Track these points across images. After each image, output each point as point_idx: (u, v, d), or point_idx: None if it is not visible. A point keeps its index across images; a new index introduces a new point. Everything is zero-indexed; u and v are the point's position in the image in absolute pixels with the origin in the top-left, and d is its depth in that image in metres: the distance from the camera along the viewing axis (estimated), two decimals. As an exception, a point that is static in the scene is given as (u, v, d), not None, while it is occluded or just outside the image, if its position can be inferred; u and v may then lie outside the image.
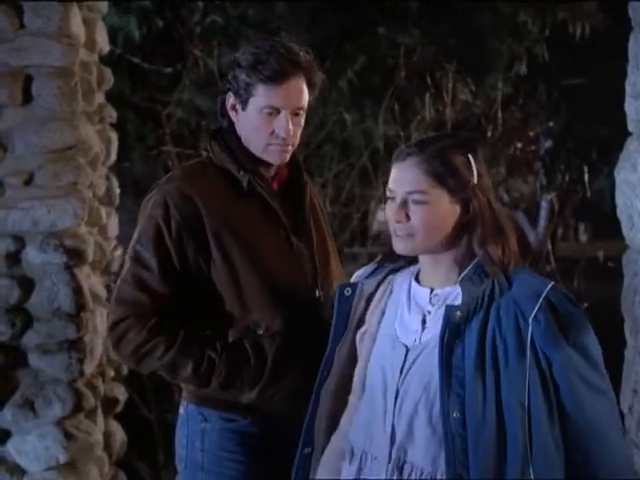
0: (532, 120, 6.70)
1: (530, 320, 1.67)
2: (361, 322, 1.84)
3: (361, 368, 1.81)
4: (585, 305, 6.52)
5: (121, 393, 3.68)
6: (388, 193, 1.77)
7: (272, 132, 2.03)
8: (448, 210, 1.73)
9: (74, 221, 3.18)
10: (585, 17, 5.79)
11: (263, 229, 2.05)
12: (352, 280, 1.89)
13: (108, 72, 3.70)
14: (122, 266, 2.11)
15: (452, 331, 1.69)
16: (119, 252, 3.81)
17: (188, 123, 5.29)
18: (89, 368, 3.25)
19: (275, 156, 2.05)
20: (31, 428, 3.16)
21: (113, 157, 3.76)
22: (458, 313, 1.70)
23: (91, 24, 3.49)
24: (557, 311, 1.68)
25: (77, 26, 3.24)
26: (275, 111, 2.01)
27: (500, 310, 1.70)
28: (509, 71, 5.87)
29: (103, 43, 3.65)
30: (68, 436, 3.18)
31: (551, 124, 7.68)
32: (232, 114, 2.08)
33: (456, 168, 1.73)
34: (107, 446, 3.52)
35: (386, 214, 1.79)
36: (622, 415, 2.40)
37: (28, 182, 3.17)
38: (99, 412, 3.41)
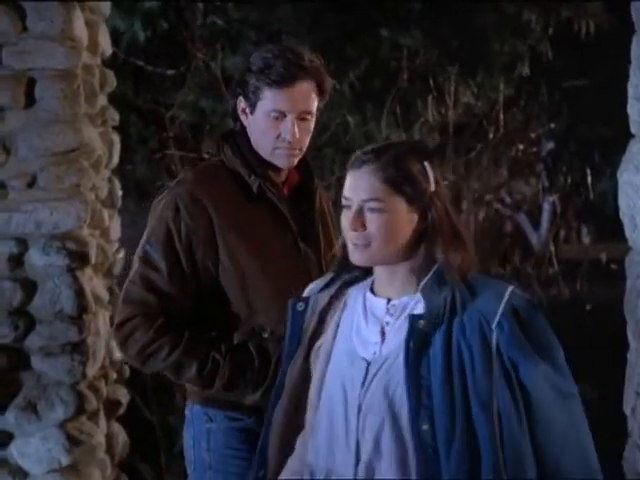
0: (534, 122, 6.70)
1: (494, 326, 1.66)
2: (315, 337, 1.79)
3: (316, 384, 1.76)
4: (588, 307, 6.54)
5: (123, 395, 3.68)
6: (344, 201, 1.73)
7: (278, 136, 2.04)
8: (405, 218, 1.70)
9: (77, 223, 3.19)
10: (590, 16, 5.78)
11: (271, 233, 2.06)
12: (305, 294, 1.85)
13: (111, 75, 3.71)
14: (129, 267, 2.13)
15: (417, 341, 1.66)
16: (121, 254, 3.81)
17: (191, 126, 5.30)
18: (91, 370, 3.25)
19: (282, 159, 2.07)
20: (34, 430, 3.16)
21: (116, 160, 3.76)
22: (422, 322, 1.67)
23: (94, 27, 3.49)
24: (519, 316, 1.67)
25: (80, 29, 3.25)
26: (281, 115, 2.03)
27: (463, 317, 1.67)
28: (511, 72, 5.87)
29: (106, 46, 3.65)
30: (70, 438, 3.19)
31: (553, 126, 7.68)
32: (243, 118, 2.11)
33: (413, 175, 1.70)
34: (109, 448, 3.52)
35: (342, 223, 1.75)
36: (625, 417, 2.40)
37: (31, 184, 3.17)
38: (101, 414, 3.41)
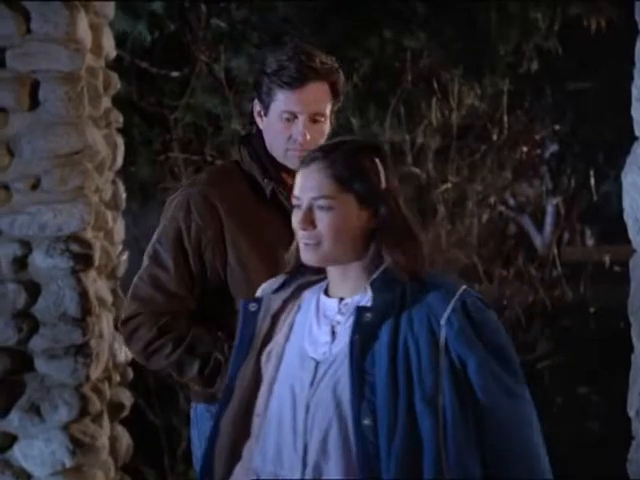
0: (538, 124, 6.69)
1: (443, 322, 1.63)
2: (267, 341, 1.73)
3: (266, 389, 1.71)
4: (592, 310, 6.52)
5: (127, 398, 3.68)
6: (294, 201, 1.70)
7: (290, 137, 2.06)
8: (356, 216, 1.66)
9: (80, 226, 3.19)
10: (599, 12, 5.76)
11: (282, 237, 2.05)
12: (257, 294, 1.79)
13: (114, 77, 3.71)
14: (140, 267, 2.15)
15: (363, 334, 1.63)
16: (125, 256, 3.81)
17: (195, 128, 5.30)
18: (95, 373, 3.25)
19: (293, 161, 2.06)
20: (37, 432, 3.16)
21: (119, 162, 3.76)
22: (369, 315, 1.64)
23: (98, 29, 3.50)
24: (470, 313, 1.65)
25: (84, 31, 3.25)
26: (292, 116, 2.04)
27: (412, 313, 1.65)
28: (516, 70, 5.86)
29: (109, 48, 3.66)
30: (74, 441, 3.19)
31: (557, 128, 7.67)
32: (258, 120, 2.12)
33: (363, 172, 1.67)
34: (113, 451, 3.52)
35: (292, 224, 1.71)
36: (629, 420, 2.40)
37: (35, 187, 3.17)
38: (105, 417, 3.41)
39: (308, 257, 1.69)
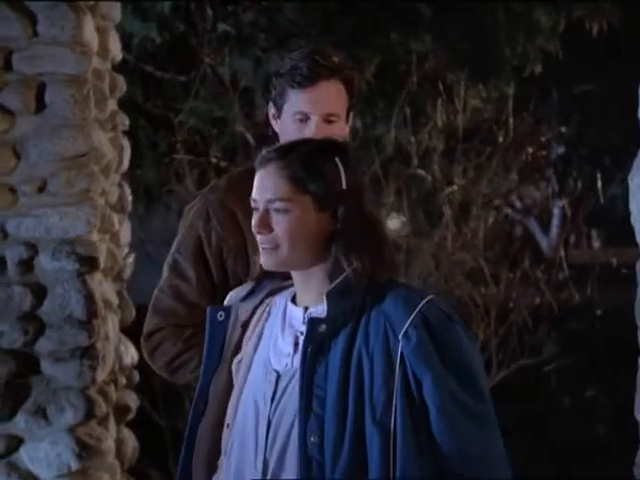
0: (544, 126, 6.68)
1: (400, 336, 1.53)
2: (237, 350, 1.67)
3: (234, 401, 1.65)
4: (598, 312, 6.50)
5: (133, 400, 3.68)
6: (252, 204, 1.63)
7: None
8: (314, 218, 1.58)
9: (86, 228, 3.19)
10: (603, 14, 5.75)
11: None
12: (226, 302, 1.71)
13: (120, 79, 3.72)
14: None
15: (315, 346, 1.55)
16: (131, 259, 3.82)
17: (200, 130, 5.31)
18: (101, 375, 3.25)
19: None
20: (43, 435, 3.16)
21: (125, 164, 3.77)
22: (323, 326, 1.55)
23: (104, 32, 3.50)
24: (431, 327, 1.54)
25: (90, 34, 3.26)
26: (305, 117, 1.96)
27: (369, 325, 1.55)
28: (521, 73, 5.85)
29: (116, 51, 3.66)
30: (80, 443, 3.19)
31: (563, 130, 7.66)
32: (273, 123, 2.06)
33: (320, 173, 1.58)
34: (119, 453, 3.52)
35: (252, 227, 1.64)
36: (636, 423, 2.39)
37: (41, 189, 3.18)
38: (111, 419, 3.41)
39: (266, 261, 1.61)
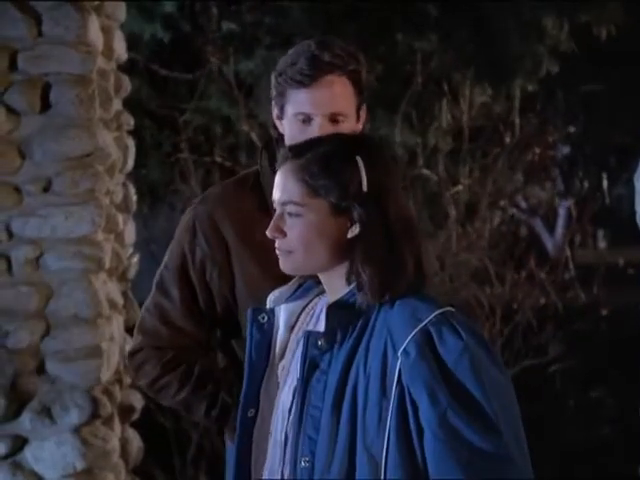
0: (550, 126, 6.67)
1: (400, 352, 1.38)
2: (283, 354, 1.55)
3: (273, 410, 1.54)
4: (604, 312, 6.49)
5: (137, 400, 3.68)
6: (274, 205, 1.52)
7: None
8: (330, 223, 1.45)
9: (91, 228, 3.19)
10: (609, 20, 5.74)
11: None
12: (268, 305, 1.59)
13: (125, 79, 3.72)
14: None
15: (311, 362, 1.44)
16: (136, 259, 3.82)
17: (204, 130, 5.31)
18: (106, 375, 3.25)
19: None
20: (48, 435, 3.16)
21: (130, 164, 3.77)
22: (321, 341, 1.43)
23: (109, 32, 3.50)
24: (434, 344, 1.38)
25: (95, 34, 3.26)
26: (307, 118, 1.78)
27: (372, 339, 1.41)
28: (529, 75, 5.84)
29: (121, 51, 3.66)
30: (85, 443, 3.19)
31: (569, 130, 7.65)
32: (278, 124, 1.88)
33: (338, 175, 1.44)
34: (124, 453, 3.51)
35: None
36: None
37: (46, 189, 3.18)
38: (116, 419, 3.41)
39: (283, 266, 1.51)
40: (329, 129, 1.76)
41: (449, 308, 1.43)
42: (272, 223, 1.50)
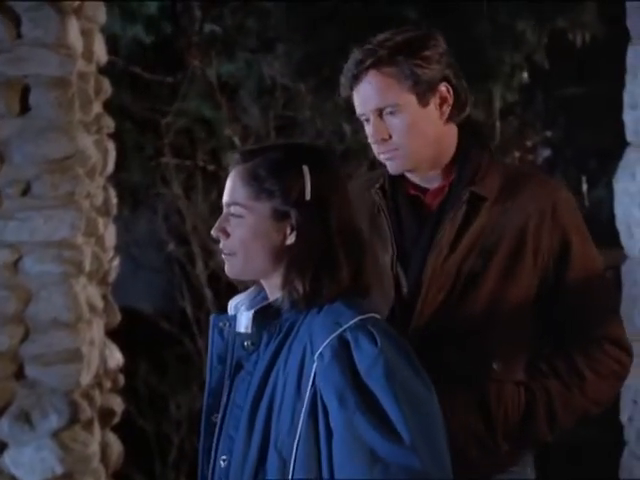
0: (530, 130, 6.71)
1: (316, 356, 1.40)
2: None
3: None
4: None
5: (118, 404, 3.66)
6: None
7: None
8: (269, 228, 1.46)
9: (71, 231, 3.17)
10: (584, 26, 5.80)
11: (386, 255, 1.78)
12: (229, 311, 1.59)
13: (105, 82, 3.70)
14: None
15: (236, 362, 1.48)
16: (116, 262, 3.80)
17: (187, 133, 5.29)
18: (86, 379, 3.24)
19: (388, 165, 1.78)
20: (27, 440, 3.14)
21: (111, 167, 3.75)
22: (247, 342, 1.47)
23: (89, 35, 3.49)
24: (350, 350, 1.39)
25: (75, 36, 3.24)
26: (365, 118, 1.77)
27: (293, 344, 1.44)
28: (508, 81, 5.88)
29: (101, 53, 3.65)
30: (64, 448, 3.17)
31: (549, 133, 7.70)
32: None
33: (283, 180, 1.46)
34: (104, 458, 3.50)
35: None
36: (622, 426, 2.39)
37: (25, 192, 3.16)
38: (96, 423, 3.39)
39: (227, 270, 1.52)
40: (380, 124, 1.74)
41: (373, 315, 1.44)
42: (217, 223, 1.52)
